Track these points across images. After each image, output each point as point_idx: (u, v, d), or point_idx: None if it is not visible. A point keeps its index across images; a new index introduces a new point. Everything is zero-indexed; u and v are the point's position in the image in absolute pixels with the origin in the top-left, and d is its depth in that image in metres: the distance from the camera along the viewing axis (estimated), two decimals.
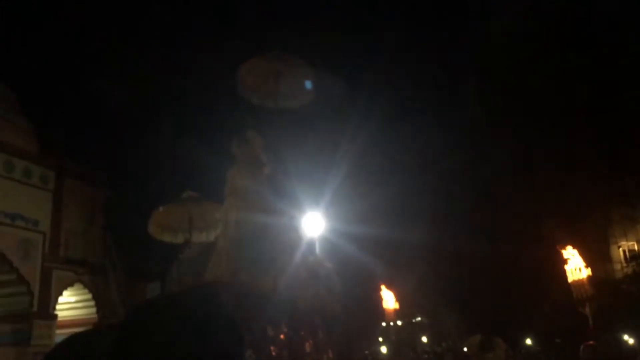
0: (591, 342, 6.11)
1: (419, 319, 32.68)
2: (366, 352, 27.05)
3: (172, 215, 7.19)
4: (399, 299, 23.53)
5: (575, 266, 11.01)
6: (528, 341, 26.97)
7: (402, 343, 26.60)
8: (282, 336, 4.48)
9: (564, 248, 11.33)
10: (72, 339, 3.68)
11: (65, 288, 15.75)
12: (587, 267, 11.25)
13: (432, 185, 26.87)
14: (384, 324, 27.67)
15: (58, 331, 14.97)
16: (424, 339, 31.41)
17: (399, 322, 28.03)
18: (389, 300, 23.80)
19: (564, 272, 11.28)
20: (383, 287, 23.81)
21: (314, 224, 11.12)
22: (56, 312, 15.31)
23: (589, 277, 10.99)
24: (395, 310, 24.33)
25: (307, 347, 5.10)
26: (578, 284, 10.82)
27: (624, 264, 24.31)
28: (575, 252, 11.26)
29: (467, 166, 26.27)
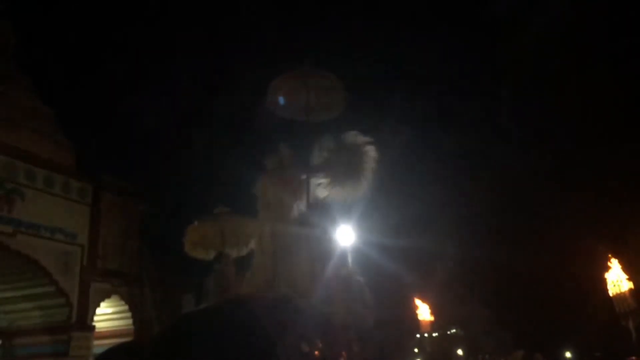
0: (634, 358, 5.91)
1: (454, 330, 32.16)
2: None
3: (204, 231, 7.25)
4: (433, 310, 23.22)
5: (617, 279, 10.65)
6: (568, 354, 26.30)
7: (438, 356, 26.16)
8: (316, 352, 4.45)
9: (605, 260, 10.97)
10: (112, 352, 3.72)
11: (102, 300, 16.00)
12: (629, 279, 10.87)
13: (469, 196, 26.50)
14: (418, 335, 27.29)
15: (96, 342, 15.21)
16: (460, 352, 30.85)
17: (435, 334, 27.60)
18: (423, 311, 23.50)
19: (605, 285, 10.92)
20: (417, 298, 23.51)
21: (346, 235, 11.07)
22: (94, 324, 15.54)
23: (630, 290, 10.61)
24: (431, 322, 24.00)
25: None
26: (620, 297, 10.45)
27: None
28: (616, 264, 10.90)
29: (505, 176, 25.81)
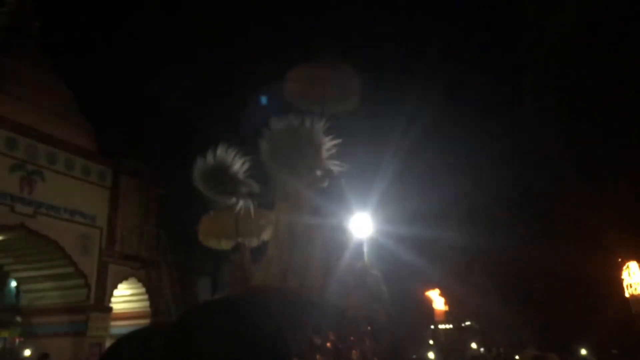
0: None
1: (468, 323, 32.07)
2: (414, 356, 26.74)
3: (218, 221, 7.22)
4: (449, 301, 23.16)
5: (634, 281, 10.47)
6: (583, 351, 26.07)
7: (451, 348, 26.12)
8: (328, 344, 4.42)
9: (624, 261, 10.79)
10: (127, 339, 3.68)
11: (120, 282, 16.22)
12: None
13: (489, 189, 26.17)
14: (432, 326, 27.22)
15: (113, 323, 15.46)
16: (474, 345, 30.75)
17: (449, 326, 27.55)
18: (438, 302, 23.44)
19: (622, 286, 10.76)
20: (433, 289, 23.45)
21: (362, 225, 11.00)
22: (111, 305, 15.79)
23: None
24: (445, 312, 23.92)
25: (354, 355, 5.03)
26: (636, 299, 10.29)
27: None
28: (634, 266, 10.72)
29: (525, 169, 25.44)
